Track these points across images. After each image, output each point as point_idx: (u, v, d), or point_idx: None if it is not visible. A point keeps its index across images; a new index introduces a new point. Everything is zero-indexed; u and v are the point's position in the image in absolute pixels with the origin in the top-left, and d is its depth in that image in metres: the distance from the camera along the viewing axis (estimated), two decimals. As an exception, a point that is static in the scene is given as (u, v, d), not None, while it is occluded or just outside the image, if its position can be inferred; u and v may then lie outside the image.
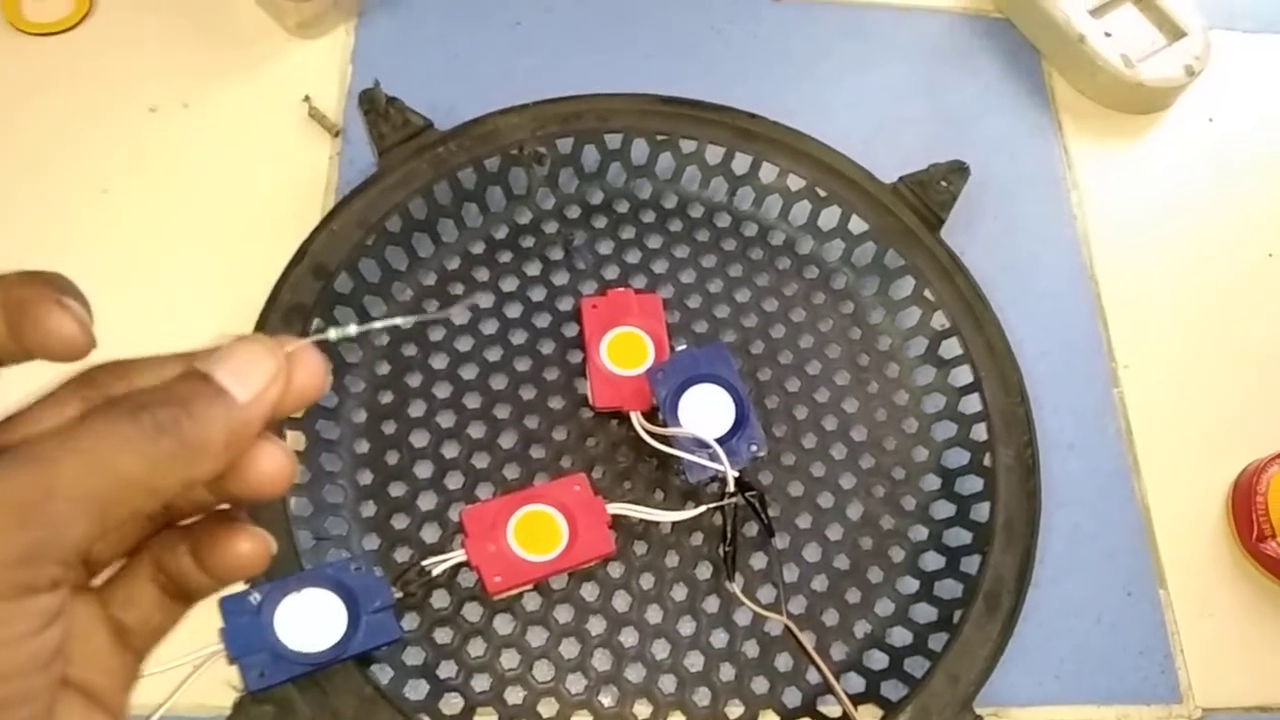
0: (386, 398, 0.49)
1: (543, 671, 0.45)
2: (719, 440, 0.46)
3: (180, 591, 0.23)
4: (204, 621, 0.38)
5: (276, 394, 0.20)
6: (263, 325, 0.48)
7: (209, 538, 0.22)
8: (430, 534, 0.47)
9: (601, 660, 0.45)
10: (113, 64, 0.56)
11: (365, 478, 0.47)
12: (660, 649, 0.46)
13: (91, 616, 0.22)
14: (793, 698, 0.46)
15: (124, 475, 0.18)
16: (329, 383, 0.22)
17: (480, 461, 0.48)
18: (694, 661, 0.46)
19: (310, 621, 0.41)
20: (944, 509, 0.50)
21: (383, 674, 0.43)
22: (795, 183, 0.56)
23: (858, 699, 0.45)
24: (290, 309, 0.48)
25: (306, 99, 0.56)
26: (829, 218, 0.55)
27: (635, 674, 0.45)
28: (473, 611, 0.45)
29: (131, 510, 0.19)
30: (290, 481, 0.21)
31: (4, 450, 0.18)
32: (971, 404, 0.52)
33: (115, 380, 0.21)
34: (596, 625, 0.46)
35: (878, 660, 0.47)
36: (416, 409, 0.49)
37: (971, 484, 0.50)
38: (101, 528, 0.18)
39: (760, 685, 0.46)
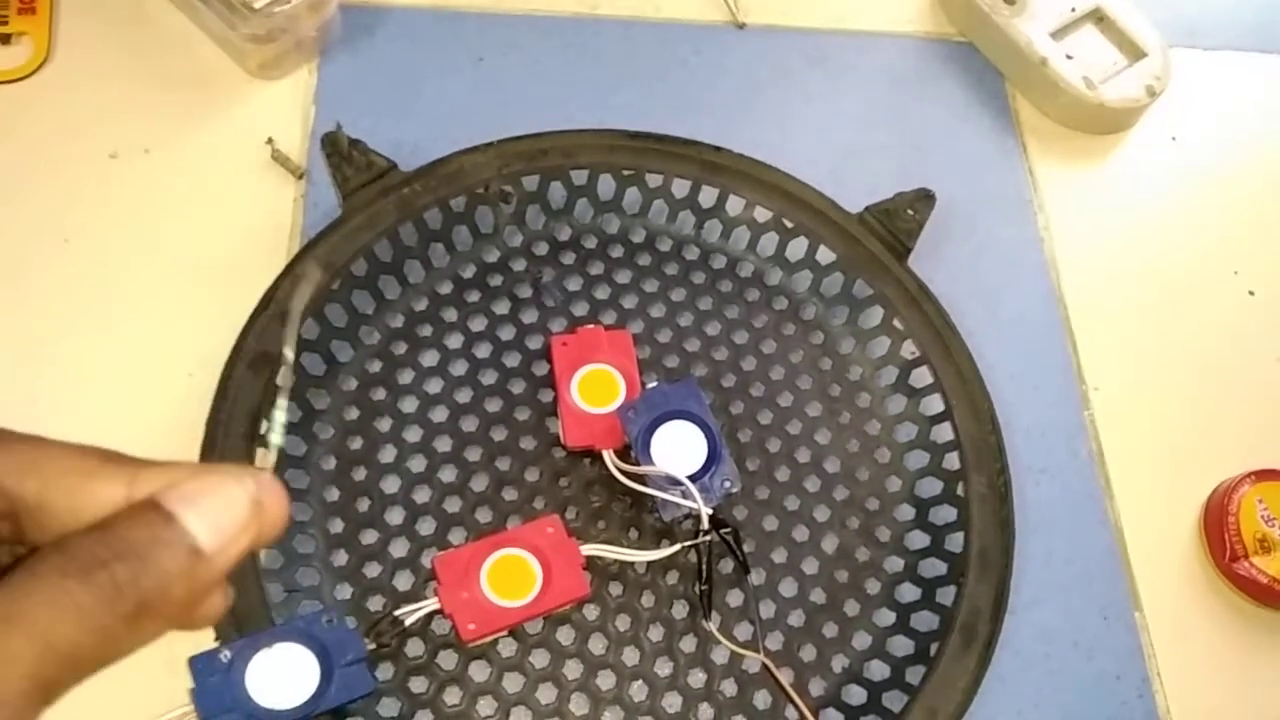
0: (356, 443, 0.49)
1: (520, 718, 0.44)
2: (692, 477, 0.45)
3: None
4: (173, 681, 0.37)
5: (248, 542, 0.18)
6: (229, 373, 0.47)
7: None
8: (403, 581, 0.46)
9: (579, 704, 0.45)
10: (72, 110, 0.55)
11: (336, 526, 0.47)
12: (638, 691, 0.46)
13: None
14: (772, 736, 0.46)
15: (69, 651, 0.15)
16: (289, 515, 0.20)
17: (452, 506, 0.48)
18: (672, 702, 0.46)
19: (282, 677, 0.41)
20: (919, 539, 0.50)
21: (357, 727, 0.43)
22: (762, 214, 0.56)
23: (837, 735, 0.45)
24: (256, 357, 0.48)
25: (269, 141, 0.56)
26: (796, 249, 0.56)
27: (613, 717, 0.45)
28: (448, 659, 0.45)
29: (86, 674, 0.16)
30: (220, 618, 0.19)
31: None
32: (943, 433, 0.52)
33: (25, 477, 0.17)
34: (573, 669, 0.46)
35: (856, 695, 0.47)
36: (386, 454, 0.49)
37: (945, 514, 0.50)
38: (54, 693, 0.16)
39: (739, 724, 0.46)
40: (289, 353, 0.21)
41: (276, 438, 0.20)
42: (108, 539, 0.16)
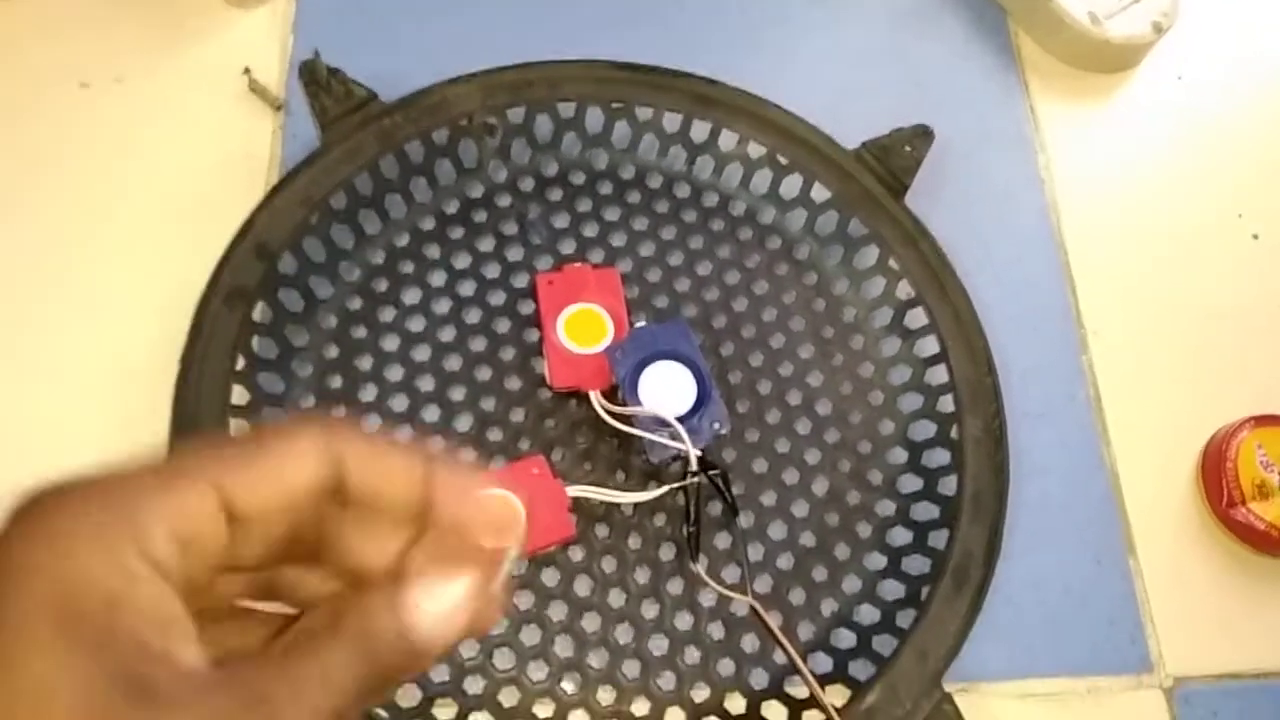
0: (336, 382, 0.47)
1: (503, 660, 0.44)
2: (680, 419, 0.44)
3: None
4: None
5: (455, 642, 0.21)
6: (204, 308, 0.46)
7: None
8: (384, 522, 0.45)
9: (563, 647, 0.44)
10: (42, 37, 0.53)
11: (315, 466, 0.46)
12: (623, 633, 0.45)
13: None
14: (760, 679, 0.45)
15: (335, 712, 0.18)
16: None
17: (435, 446, 0.47)
18: (658, 645, 0.45)
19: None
20: (911, 483, 0.49)
21: (336, 668, 0.42)
22: (755, 150, 0.54)
23: (825, 679, 0.45)
24: (232, 292, 0.46)
25: (246, 71, 0.54)
26: (791, 186, 0.54)
27: (598, 660, 0.44)
28: (429, 601, 0.44)
29: None
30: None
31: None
32: (938, 375, 0.51)
33: (356, 457, 0.20)
34: (557, 611, 0.45)
35: (845, 639, 0.46)
36: (367, 393, 0.47)
37: (939, 457, 0.49)
38: None
39: (726, 667, 0.45)
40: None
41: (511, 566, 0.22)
42: (359, 641, 0.19)
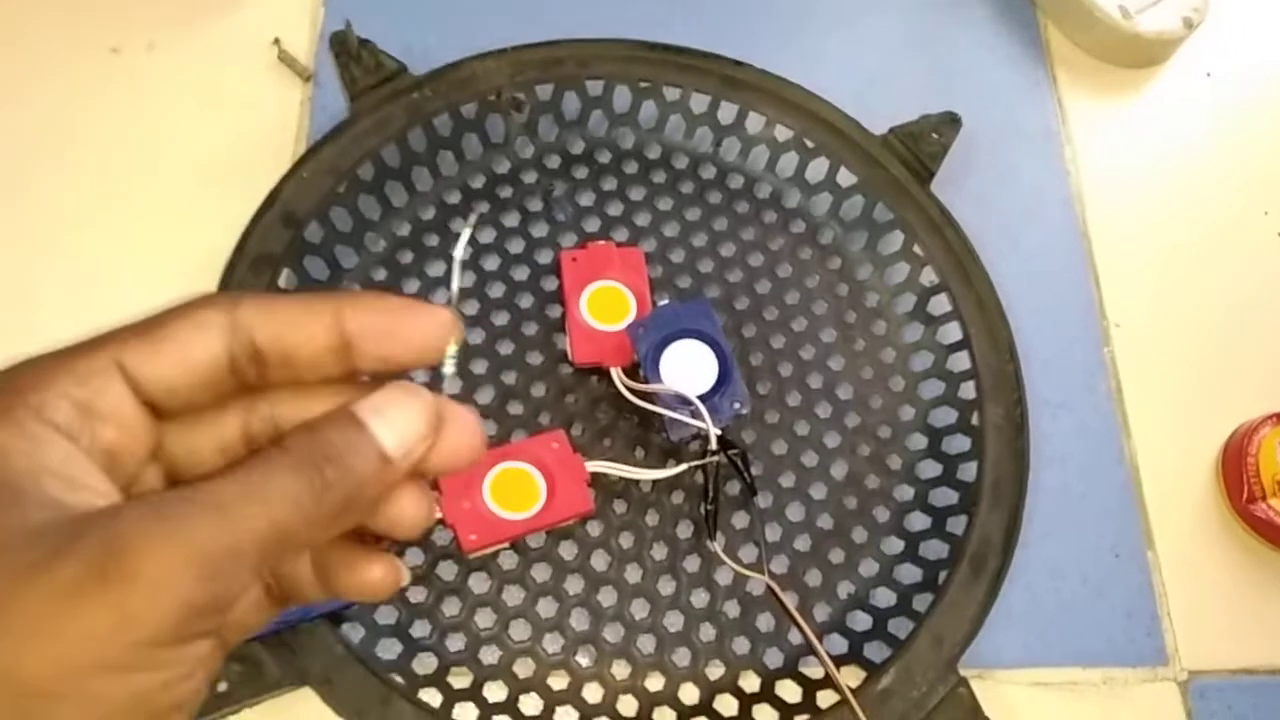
0: (359, 351, 0.47)
1: (519, 631, 0.44)
2: (701, 397, 0.44)
3: (282, 595, 0.23)
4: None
5: (423, 452, 0.20)
6: (230, 274, 0.46)
7: (340, 556, 0.22)
8: (404, 491, 0.45)
9: (579, 620, 0.44)
10: (73, 3, 0.53)
11: (336, 433, 0.46)
12: (639, 608, 0.45)
13: None
14: (774, 658, 0.45)
15: (288, 531, 0.18)
16: (483, 446, 0.22)
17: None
18: (674, 621, 0.45)
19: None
20: (930, 468, 0.49)
21: (354, 633, 0.42)
22: (783, 133, 0.54)
23: (840, 660, 0.45)
24: (258, 258, 0.47)
25: (276, 41, 0.54)
26: (817, 170, 0.54)
27: (613, 634, 0.44)
28: (447, 570, 0.44)
29: (283, 561, 0.20)
30: (425, 526, 0.22)
31: (176, 487, 0.19)
32: (960, 362, 0.51)
33: (261, 323, 0.20)
34: (574, 584, 0.45)
35: (861, 621, 0.46)
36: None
37: (959, 443, 0.49)
38: (260, 578, 0.19)
39: (741, 646, 0.45)
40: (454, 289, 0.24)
41: (449, 368, 0.22)
42: (318, 443, 0.19)
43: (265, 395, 0.22)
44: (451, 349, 0.21)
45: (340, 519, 0.19)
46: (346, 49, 0.51)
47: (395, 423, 0.20)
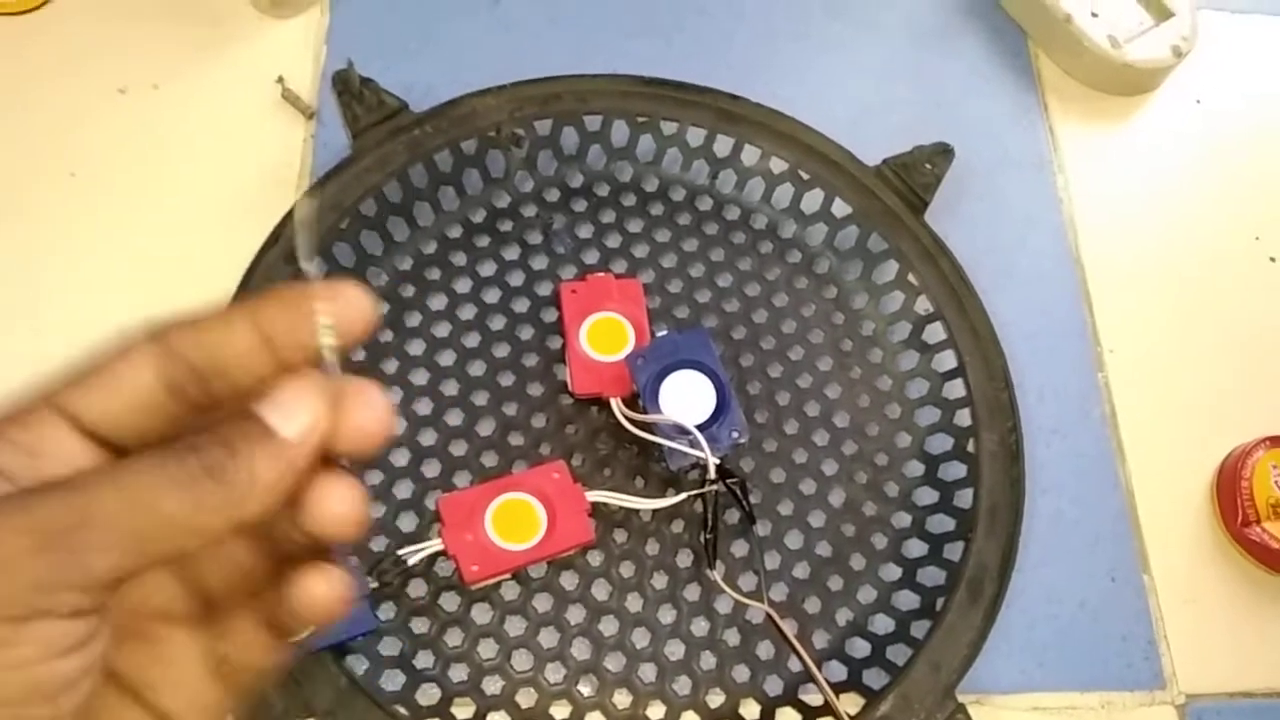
0: (362, 385, 0.48)
1: (521, 661, 0.44)
2: (700, 427, 0.45)
3: (284, 629, 0.23)
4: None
5: (324, 428, 0.20)
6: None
7: (291, 578, 0.22)
8: (407, 523, 0.46)
9: (581, 649, 0.45)
10: (81, 44, 0.55)
11: (340, 466, 0.46)
12: (640, 637, 0.45)
13: (188, 645, 0.22)
14: (774, 686, 0.45)
15: (165, 514, 0.18)
16: (392, 423, 0.22)
17: (458, 449, 0.47)
18: (674, 650, 0.45)
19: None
20: (927, 495, 0.50)
21: (358, 664, 0.42)
22: (778, 165, 0.55)
23: (839, 687, 0.45)
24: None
25: (280, 80, 0.55)
26: (812, 201, 0.55)
27: (615, 663, 0.45)
28: (450, 601, 0.45)
29: (175, 549, 0.19)
30: (360, 524, 0.21)
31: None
32: (955, 389, 0.51)
33: (189, 345, 0.21)
34: (576, 614, 0.45)
35: (859, 648, 0.47)
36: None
37: (955, 470, 0.50)
38: (139, 563, 0.19)
39: (741, 674, 0.45)
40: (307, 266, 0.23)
41: (326, 338, 0.21)
42: (208, 435, 0.19)
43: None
44: (324, 321, 0.21)
45: (236, 505, 0.19)
46: (349, 87, 0.52)
47: (287, 406, 0.20)
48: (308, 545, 0.22)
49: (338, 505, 0.21)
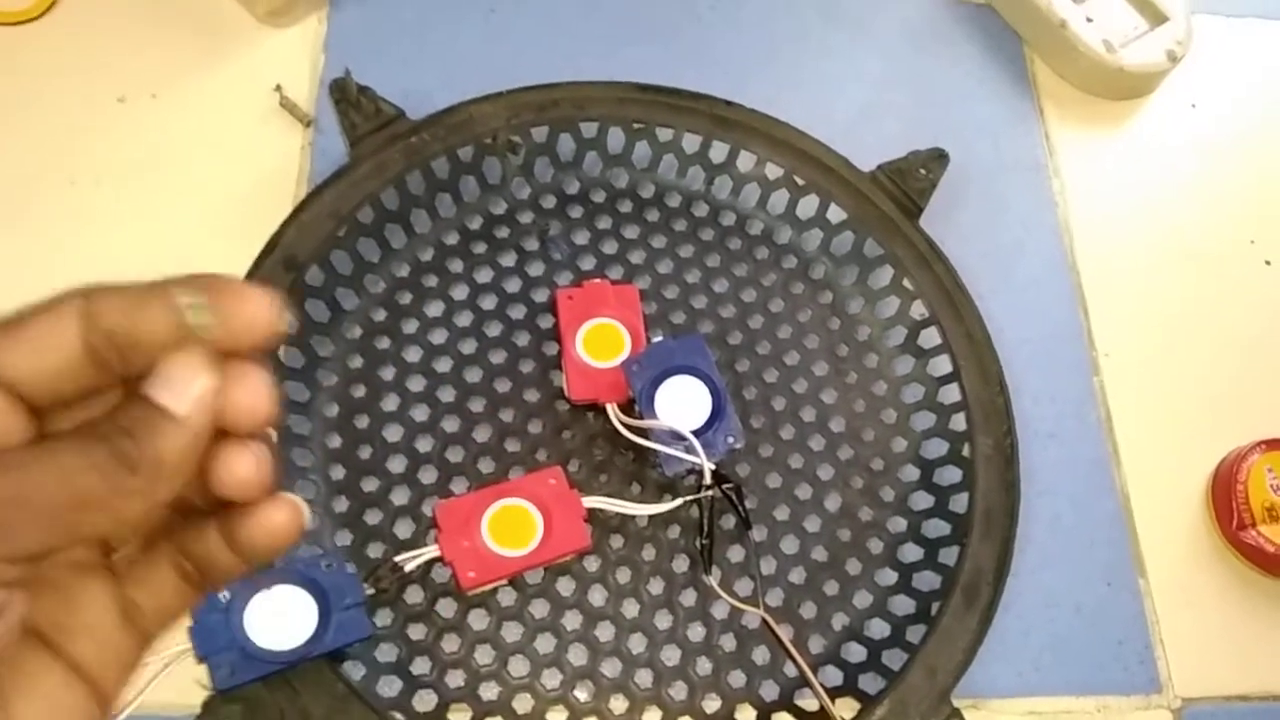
0: (359, 391, 0.48)
1: (518, 667, 0.44)
2: (696, 432, 0.45)
3: (200, 575, 0.23)
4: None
5: (215, 402, 0.21)
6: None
7: (240, 515, 0.22)
8: (404, 529, 0.46)
9: (577, 655, 0.45)
10: (80, 53, 0.55)
11: (337, 473, 0.47)
12: (637, 643, 0.45)
13: (98, 593, 0.22)
14: (770, 691, 0.46)
15: (86, 494, 0.19)
16: (271, 400, 0.22)
17: (454, 455, 0.48)
18: (671, 655, 0.45)
19: (280, 619, 0.41)
20: (923, 500, 0.50)
21: (355, 671, 0.43)
22: (773, 171, 0.55)
23: (835, 692, 0.45)
24: (260, 302, 0.48)
25: (278, 88, 0.55)
26: (807, 206, 0.55)
27: (611, 669, 0.45)
28: (447, 607, 0.45)
29: (99, 529, 0.20)
30: (260, 482, 0.22)
31: None
32: (950, 394, 0.51)
33: (112, 313, 0.21)
34: (572, 620, 0.45)
35: (855, 653, 0.47)
36: (389, 403, 0.48)
37: (950, 474, 0.50)
38: (66, 542, 0.19)
39: (737, 679, 0.46)
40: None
41: (201, 318, 0.21)
42: (111, 420, 0.20)
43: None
44: (191, 300, 0.21)
45: (149, 485, 0.20)
46: (346, 95, 0.52)
47: (175, 384, 0.20)
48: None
49: (241, 466, 0.21)
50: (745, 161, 0.55)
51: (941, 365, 0.52)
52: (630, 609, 0.46)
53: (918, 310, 0.53)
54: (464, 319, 0.51)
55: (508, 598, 0.45)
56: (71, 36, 0.55)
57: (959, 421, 0.51)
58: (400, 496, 0.47)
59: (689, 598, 0.47)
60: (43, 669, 0.21)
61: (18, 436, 0.21)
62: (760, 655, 0.46)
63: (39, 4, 0.55)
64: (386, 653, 0.44)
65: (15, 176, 0.52)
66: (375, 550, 0.45)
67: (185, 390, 0.20)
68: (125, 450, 0.19)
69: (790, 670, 0.46)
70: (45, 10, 0.55)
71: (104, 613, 0.22)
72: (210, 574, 0.23)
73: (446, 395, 0.49)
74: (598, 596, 0.46)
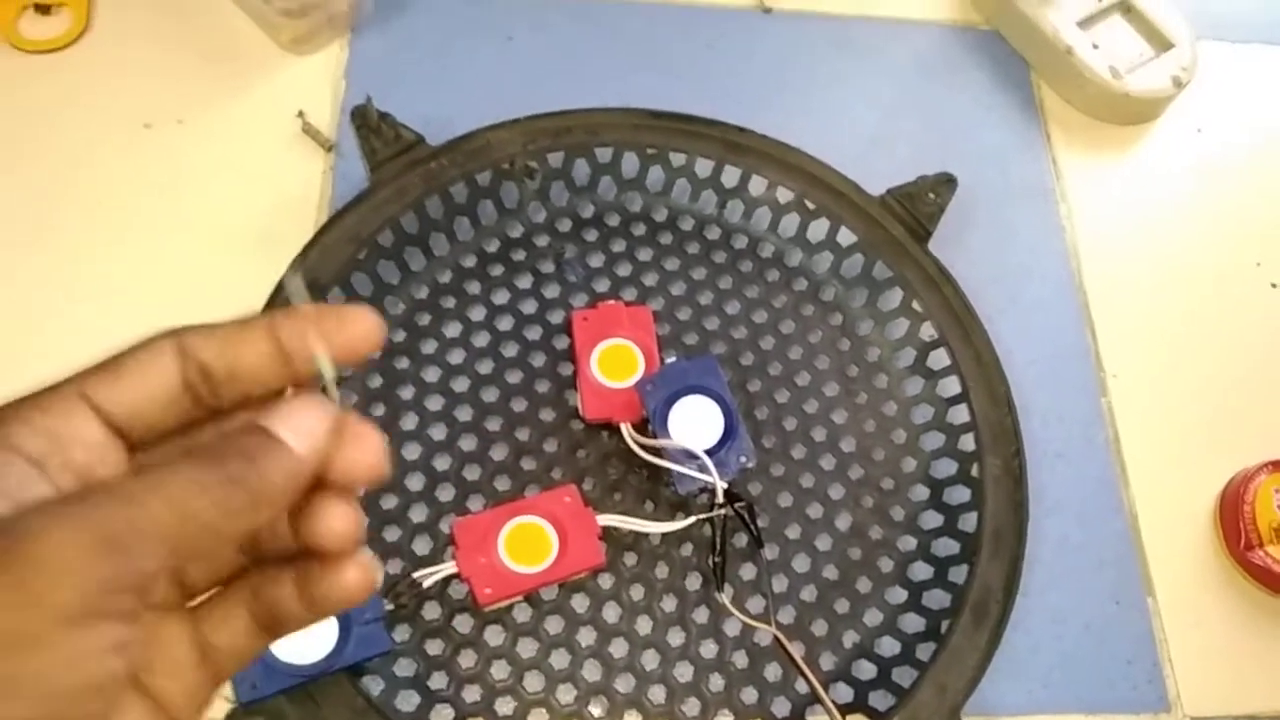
0: (378, 410, 0.49)
1: (533, 682, 0.45)
2: (708, 452, 0.46)
3: (272, 621, 0.24)
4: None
5: (327, 448, 0.22)
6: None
7: (317, 568, 0.23)
8: (421, 546, 0.47)
9: (592, 671, 0.46)
10: (108, 81, 0.56)
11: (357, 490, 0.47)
12: (650, 660, 0.46)
13: (180, 633, 0.23)
14: (781, 708, 0.46)
15: (198, 519, 0.20)
16: (385, 464, 0.23)
17: (471, 474, 0.49)
18: (683, 672, 0.46)
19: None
20: (932, 519, 0.51)
21: (374, 685, 0.43)
22: (784, 195, 0.56)
23: (846, 709, 0.46)
24: (283, 323, 0.49)
25: (300, 114, 0.56)
26: (817, 230, 0.56)
27: (625, 685, 0.46)
28: (464, 623, 0.46)
29: (201, 551, 0.20)
30: (354, 538, 0.23)
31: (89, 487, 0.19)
32: (960, 414, 0.52)
33: (208, 348, 0.22)
34: (586, 636, 0.46)
35: (866, 670, 0.47)
36: (408, 422, 0.49)
37: (959, 494, 0.51)
38: (173, 565, 0.20)
39: (749, 695, 0.46)
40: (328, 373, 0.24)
41: (326, 369, 0.23)
42: (225, 443, 0.21)
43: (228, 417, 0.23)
44: (320, 354, 0.23)
45: (254, 511, 0.20)
46: (367, 122, 0.53)
47: (299, 424, 0.21)
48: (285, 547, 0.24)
49: (338, 521, 0.22)
50: (757, 186, 0.56)
51: (950, 386, 0.53)
52: (643, 626, 0.47)
53: (927, 332, 0.54)
54: (481, 340, 0.52)
55: (523, 614, 0.46)
56: (100, 65, 0.57)
57: (968, 442, 0.51)
58: (418, 514, 0.47)
59: (701, 615, 0.47)
60: (132, 706, 0.21)
61: (119, 469, 0.21)
62: (772, 672, 0.47)
63: (70, 33, 0.57)
64: (405, 667, 0.44)
65: (44, 198, 0.53)
66: (394, 566, 0.46)
67: (305, 431, 0.21)
68: (240, 471, 0.20)
69: (801, 687, 0.46)
70: (75, 39, 0.57)
71: (186, 652, 0.23)
72: (281, 621, 0.24)
73: (464, 414, 0.50)
74: (611, 613, 0.47)
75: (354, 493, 0.23)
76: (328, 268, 0.50)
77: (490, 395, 0.51)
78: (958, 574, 0.48)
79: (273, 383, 0.23)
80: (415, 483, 0.48)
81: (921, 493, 0.52)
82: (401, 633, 0.45)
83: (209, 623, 0.23)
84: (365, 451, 0.23)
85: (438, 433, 0.49)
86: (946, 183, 0.57)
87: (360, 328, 0.23)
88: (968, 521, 0.50)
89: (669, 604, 0.47)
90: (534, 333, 0.52)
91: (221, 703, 0.41)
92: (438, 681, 0.44)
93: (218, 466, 0.20)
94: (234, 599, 0.24)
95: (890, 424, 0.53)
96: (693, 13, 0.64)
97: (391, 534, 0.47)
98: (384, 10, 0.60)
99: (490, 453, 0.49)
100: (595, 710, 0.45)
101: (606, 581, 0.47)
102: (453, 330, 0.52)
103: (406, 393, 0.50)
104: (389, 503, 0.48)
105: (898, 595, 0.49)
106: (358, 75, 0.58)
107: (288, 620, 0.24)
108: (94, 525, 0.18)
